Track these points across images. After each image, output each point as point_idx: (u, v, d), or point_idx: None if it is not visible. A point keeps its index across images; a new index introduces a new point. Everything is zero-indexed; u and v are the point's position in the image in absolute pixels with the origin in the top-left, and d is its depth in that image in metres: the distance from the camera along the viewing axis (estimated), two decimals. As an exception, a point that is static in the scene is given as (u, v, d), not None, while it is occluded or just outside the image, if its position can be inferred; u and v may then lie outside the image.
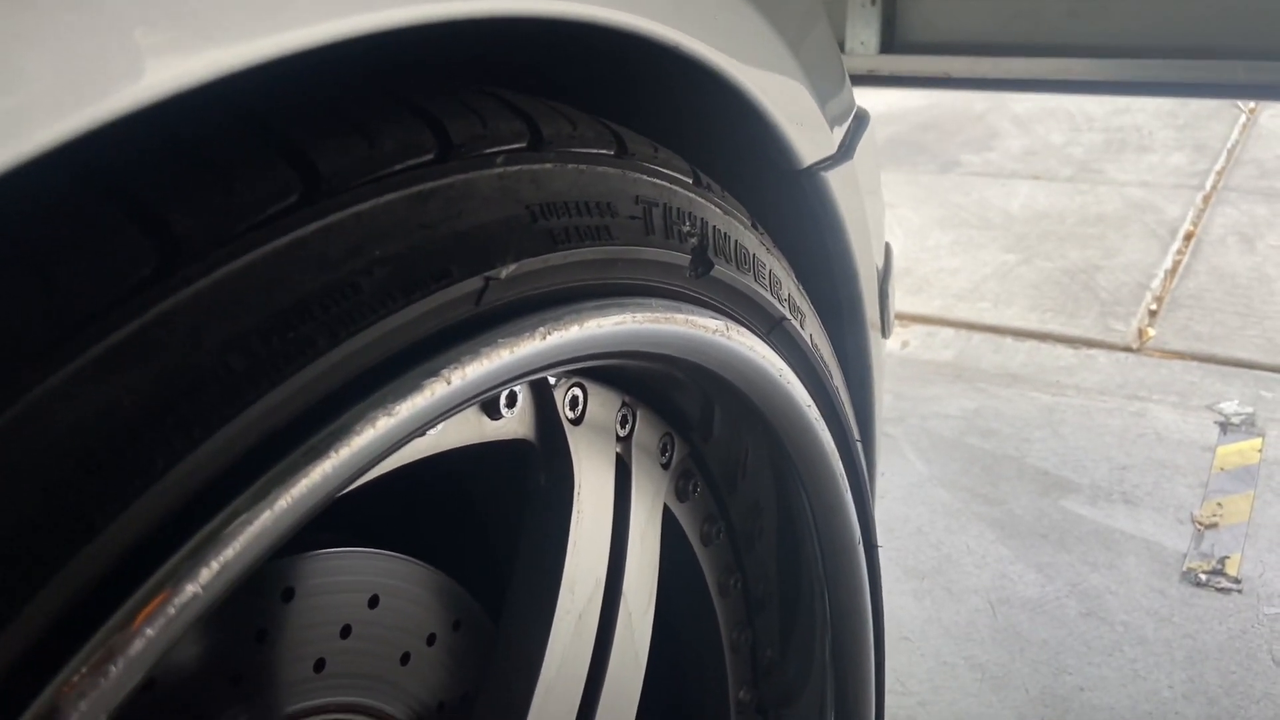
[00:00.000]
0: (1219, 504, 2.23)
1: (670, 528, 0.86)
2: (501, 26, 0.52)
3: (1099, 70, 2.38)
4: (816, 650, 1.01)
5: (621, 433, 0.78)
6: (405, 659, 0.77)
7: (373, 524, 0.81)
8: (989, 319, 3.16)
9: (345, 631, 0.72)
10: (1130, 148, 4.69)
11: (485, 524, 0.92)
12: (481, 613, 0.81)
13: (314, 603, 0.71)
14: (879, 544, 0.99)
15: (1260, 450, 2.41)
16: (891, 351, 3.01)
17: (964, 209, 4.10)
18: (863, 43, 2.54)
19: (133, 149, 0.39)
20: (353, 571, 0.74)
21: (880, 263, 1.14)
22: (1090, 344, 2.97)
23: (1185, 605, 1.93)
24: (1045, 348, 2.97)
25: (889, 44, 2.57)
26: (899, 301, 3.02)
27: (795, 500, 0.93)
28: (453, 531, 0.93)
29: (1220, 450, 2.42)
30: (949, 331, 3.11)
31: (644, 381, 0.78)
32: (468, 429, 0.64)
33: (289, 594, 0.69)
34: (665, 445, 0.83)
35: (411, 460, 0.60)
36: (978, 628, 1.90)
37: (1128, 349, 2.93)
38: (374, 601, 0.74)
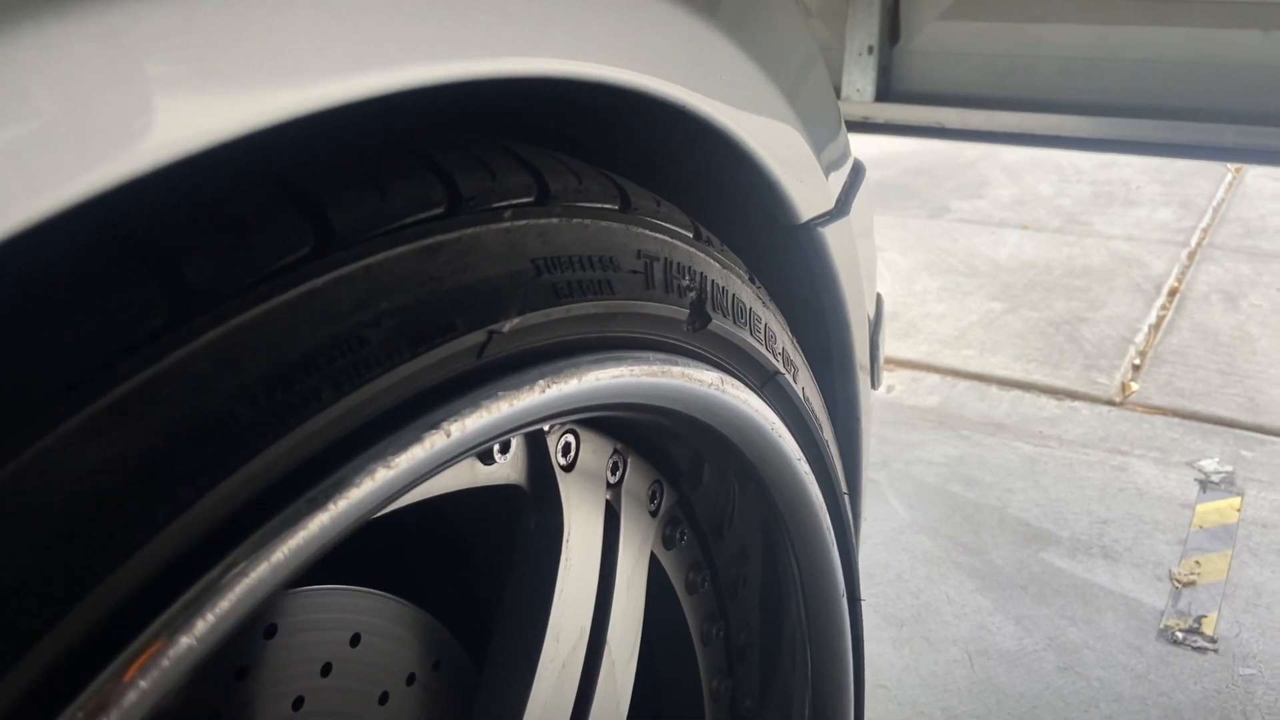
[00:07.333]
0: (1197, 562, 2.24)
1: (655, 575, 0.86)
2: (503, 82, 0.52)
3: (1091, 128, 2.42)
4: (796, 700, 1.00)
5: (612, 480, 0.78)
6: (384, 699, 0.76)
7: (354, 559, 0.81)
8: (974, 367, 3.18)
9: (326, 670, 0.72)
10: (1117, 201, 4.75)
11: (467, 559, 0.92)
12: (461, 653, 0.81)
13: (296, 640, 0.70)
14: (862, 597, 0.99)
15: (1239, 509, 2.42)
16: (877, 396, 3.02)
17: (952, 255, 4.13)
18: (859, 90, 2.57)
19: (147, 199, 0.39)
20: (337, 609, 0.73)
21: (871, 313, 1.15)
22: (1074, 396, 2.99)
23: (1162, 663, 1.94)
24: (1029, 398, 2.99)
25: (884, 93, 2.61)
26: (885, 346, 3.03)
27: (780, 549, 0.93)
28: (433, 566, 0.92)
29: (1199, 508, 2.43)
30: (934, 378, 3.13)
31: (635, 429, 0.79)
32: (460, 474, 0.64)
33: (271, 630, 0.68)
34: (654, 493, 0.83)
35: (402, 505, 0.60)
36: (955, 679, 1.90)
37: (1110, 402, 2.95)
38: (356, 640, 0.74)
